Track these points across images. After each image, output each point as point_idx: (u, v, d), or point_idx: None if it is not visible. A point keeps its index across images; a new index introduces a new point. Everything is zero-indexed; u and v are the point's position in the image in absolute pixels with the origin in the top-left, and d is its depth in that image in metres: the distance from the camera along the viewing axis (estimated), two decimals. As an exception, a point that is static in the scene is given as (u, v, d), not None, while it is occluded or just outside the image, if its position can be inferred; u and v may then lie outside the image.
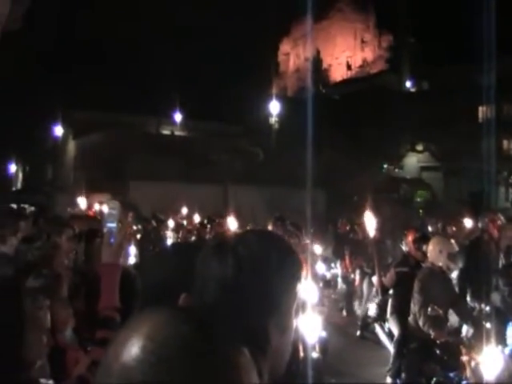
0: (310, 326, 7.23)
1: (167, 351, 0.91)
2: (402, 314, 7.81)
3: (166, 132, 45.53)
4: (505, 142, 42.84)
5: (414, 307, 7.30)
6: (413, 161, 44.38)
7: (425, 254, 8.59)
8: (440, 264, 7.38)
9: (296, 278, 1.52)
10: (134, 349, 0.92)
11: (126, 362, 0.91)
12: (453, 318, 6.99)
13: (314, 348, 7.29)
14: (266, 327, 1.43)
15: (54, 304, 3.33)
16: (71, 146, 45.17)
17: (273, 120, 36.66)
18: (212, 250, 1.53)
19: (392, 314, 8.57)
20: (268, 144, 38.99)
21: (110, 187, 28.23)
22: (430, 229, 15.87)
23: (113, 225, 2.63)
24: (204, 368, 0.90)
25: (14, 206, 20.50)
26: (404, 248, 9.77)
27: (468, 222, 15.35)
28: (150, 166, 31.28)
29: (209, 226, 14.65)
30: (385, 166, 41.56)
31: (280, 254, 1.51)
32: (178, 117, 46.27)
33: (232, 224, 12.04)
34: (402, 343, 7.82)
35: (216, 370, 0.91)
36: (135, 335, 0.93)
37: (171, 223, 15.84)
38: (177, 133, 45.18)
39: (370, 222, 10.23)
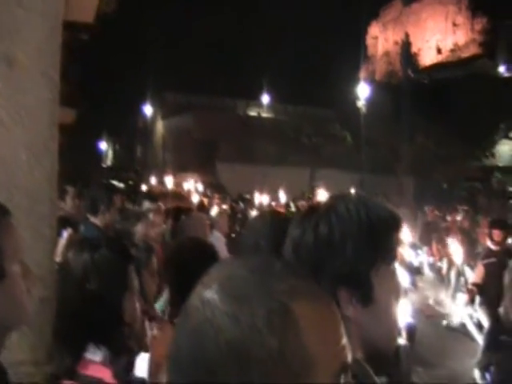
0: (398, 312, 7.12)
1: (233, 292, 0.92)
2: (492, 304, 7.56)
3: (253, 114, 45.79)
4: None
5: (505, 299, 7.06)
6: (506, 149, 43.00)
7: (498, 243, 8.54)
8: None
9: (385, 240, 1.42)
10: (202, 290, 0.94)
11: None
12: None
13: (401, 334, 7.16)
14: (339, 296, 1.35)
15: (145, 275, 3.37)
16: (160, 126, 46.06)
17: (360, 104, 36.20)
18: (305, 214, 1.48)
19: (481, 304, 8.34)
20: (357, 128, 38.64)
21: (198, 168, 28.66)
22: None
23: None
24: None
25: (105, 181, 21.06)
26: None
27: None
28: (237, 148, 31.55)
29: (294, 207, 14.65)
30: (477, 153, 40.45)
31: (367, 212, 1.42)
32: (265, 99, 46.46)
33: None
34: (492, 336, 7.57)
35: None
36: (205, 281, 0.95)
37: (257, 203, 15.93)
38: (264, 115, 45.38)
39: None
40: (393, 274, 1.44)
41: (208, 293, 0.92)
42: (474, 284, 9.07)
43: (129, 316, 2.14)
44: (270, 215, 2.59)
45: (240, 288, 0.92)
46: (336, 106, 43.01)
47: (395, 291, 1.45)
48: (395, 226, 1.45)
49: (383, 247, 1.42)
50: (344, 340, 0.95)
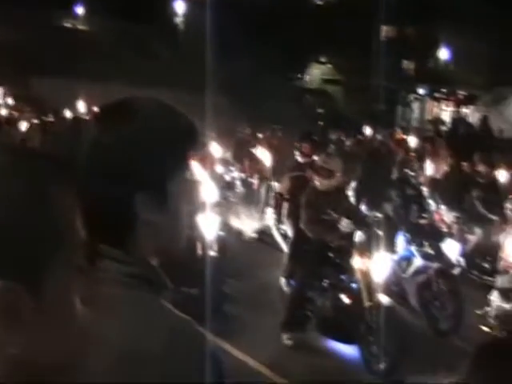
0: (208, 226, 7.32)
1: None
2: (296, 216, 7.95)
3: (68, 25, 43.59)
4: (405, 63, 43.71)
5: (303, 214, 7.46)
6: (316, 73, 44.58)
7: (306, 156, 9.04)
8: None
9: (183, 148, 1.42)
10: None
11: None
12: (347, 224, 7.18)
13: (212, 247, 7.38)
14: (132, 198, 1.34)
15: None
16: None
17: (178, 21, 35.66)
18: (105, 115, 1.47)
19: (287, 216, 8.74)
20: (175, 46, 38.07)
21: (9, 80, 27.05)
22: (331, 139, 16.28)
23: None
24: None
25: None
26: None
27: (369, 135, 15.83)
28: (53, 61, 30.06)
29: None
30: (290, 76, 41.57)
31: (168, 119, 1.42)
32: (80, 10, 44.31)
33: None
34: (296, 245, 8.01)
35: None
36: None
37: (69, 117, 15.41)
38: (80, 27, 43.35)
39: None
40: (190, 182, 1.45)
41: None
42: (281, 196, 9.50)
43: None
44: (73, 120, 2.52)
45: None
46: (154, 22, 42.00)
47: (192, 200, 1.47)
48: (194, 135, 1.46)
49: (181, 155, 1.42)
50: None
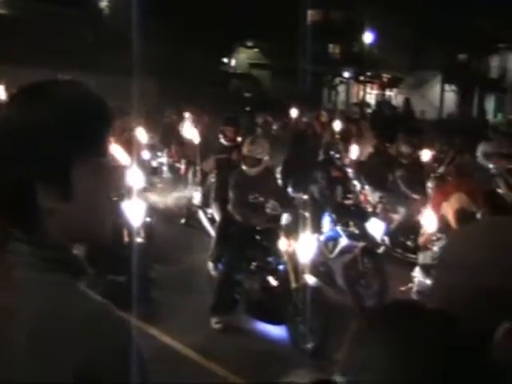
0: (134, 212, 7.24)
1: None
2: (223, 200, 7.98)
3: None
4: (331, 46, 44.29)
5: (230, 196, 7.48)
6: (243, 57, 44.65)
7: (229, 139, 9.15)
8: None
9: (95, 134, 1.36)
10: None
11: None
12: (273, 206, 7.23)
13: (138, 233, 7.32)
14: (35, 186, 1.29)
15: None
16: None
17: (103, 4, 34.87)
18: (12, 98, 1.41)
19: (214, 200, 8.77)
20: (99, 29, 37.33)
21: None
22: (259, 123, 16.33)
23: None
24: None
25: None
26: None
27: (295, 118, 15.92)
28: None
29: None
30: (217, 60, 41.48)
31: (81, 103, 1.36)
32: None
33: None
34: (222, 229, 8.02)
35: None
36: None
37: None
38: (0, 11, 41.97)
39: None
40: (103, 167, 1.40)
41: None
42: (206, 173, 9.55)
43: None
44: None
45: None
46: (79, 6, 41.08)
47: (105, 185, 1.41)
48: (104, 117, 1.41)
49: (93, 141, 1.37)
50: None
